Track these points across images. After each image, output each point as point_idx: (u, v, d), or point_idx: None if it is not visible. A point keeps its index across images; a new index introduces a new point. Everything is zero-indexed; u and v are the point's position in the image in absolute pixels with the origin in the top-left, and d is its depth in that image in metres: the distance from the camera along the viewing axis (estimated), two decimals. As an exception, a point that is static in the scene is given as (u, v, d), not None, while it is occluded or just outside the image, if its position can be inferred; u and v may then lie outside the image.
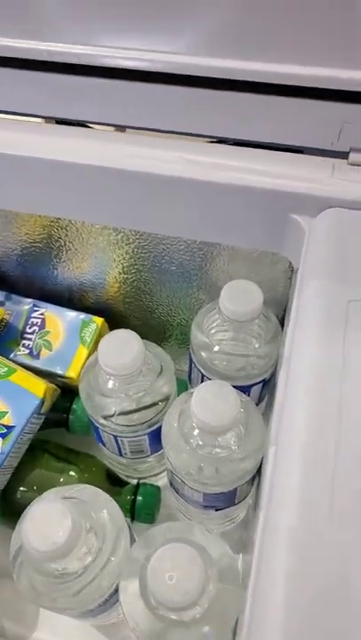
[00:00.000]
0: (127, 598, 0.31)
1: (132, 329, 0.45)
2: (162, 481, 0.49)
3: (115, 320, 0.50)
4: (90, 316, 0.48)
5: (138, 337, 0.36)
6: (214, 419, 0.32)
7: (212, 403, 0.32)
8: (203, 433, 0.34)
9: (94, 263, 0.46)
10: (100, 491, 0.35)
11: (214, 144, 0.38)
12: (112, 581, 0.33)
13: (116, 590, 0.33)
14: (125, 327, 0.52)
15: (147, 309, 0.50)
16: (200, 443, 0.35)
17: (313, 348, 0.27)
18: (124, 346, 0.36)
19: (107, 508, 0.34)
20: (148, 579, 0.27)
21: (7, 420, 0.41)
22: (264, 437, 0.35)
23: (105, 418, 0.39)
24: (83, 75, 0.38)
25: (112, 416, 0.38)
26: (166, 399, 0.39)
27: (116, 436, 0.40)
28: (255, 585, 0.21)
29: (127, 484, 0.46)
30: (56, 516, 0.28)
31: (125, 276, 0.46)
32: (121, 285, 0.48)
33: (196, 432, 0.34)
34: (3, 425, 0.41)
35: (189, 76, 0.35)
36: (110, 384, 0.38)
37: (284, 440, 0.24)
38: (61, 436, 0.48)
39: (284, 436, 0.24)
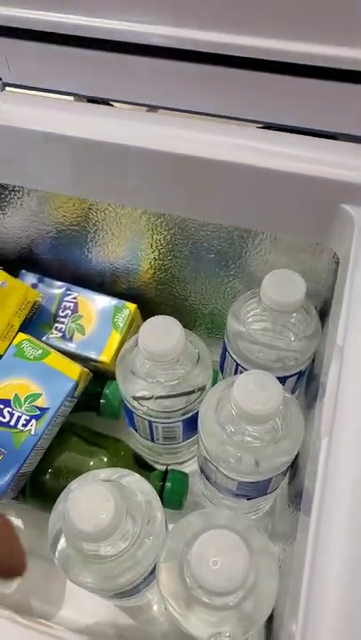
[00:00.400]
0: (164, 581, 0.31)
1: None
2: (188, 468, 0.49)
3: (145, 306, 0.50)
4: (122, 301, 0.48)
5: (180, 324, 0.36)
6: (257, 408, 0.32)
7: (254, 392, 0.32)
8: (243, 422, 0.33)
9: (130, 248, 0.46)
10: (136, 475, 0.35)
11: (261, 129, 0.37)
12: (148, 564, 0.33)
13: (151, 572, 0.33)
14: (156, 314, 0.52)
15: (179, 297, 0.49)
16: (239, 431, 0.35)
17: (367, 339, 0.26)
18: (165, 332, 0.36)
19: (143, 492, 0.34)
20: (192, 564, 0.27)
21: (41, 402, 0.41)
22: (302, 428, 0.35)
23: (140, 402, 0.39)
24: (116, 52, 0.37)
25: (149, 399, 0.38)
26: (202, 388, 0.39)
27: (150, 422, 0.40)
28: (311, 572, 0.21)
29: (155, 469, 0.46)
30: (99, 498, 0.29)
31: (161, 262, 0.46)
32: (155, 272, 0.48)
33: (235, 421, 0.34)
34: (37, 407, 0.41)
35: (234, 56, 0.34)
36: (148, 368, 0.38)
37: (337, 431, 0.24)
38: (91, 419, 0.49)
39: (337, 427, 0.24)
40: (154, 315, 0.37)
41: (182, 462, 0.49)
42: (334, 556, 0.21)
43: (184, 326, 0.40)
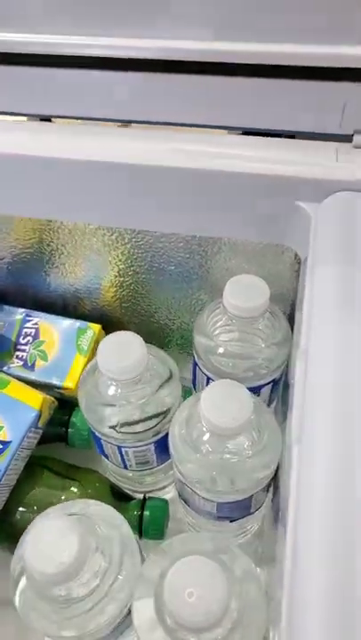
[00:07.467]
0: (141, 621, 0.28)
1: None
2: (169, 494, 0.46)
3: (112, 326, 0.48)
4: (86, 323, 0.46)
5: (140, 338, 0.34)
6: (226, 420, 0.30)
7: (222, 403, 0.30)
8: (214, 437, 0.31)
9: (89, 267, 0.44)
10: (104, 505, 0.32)
11: (212, 134, 0.36)
12: (122, 604, 0.30)
13: (128, 614, 0.30)
14: (123, 333, 0.50)
15: (145, 313, 0.48)
16: (211, 448, 0.32)
17: (331, 338, 0.25)
18: (125, 348, 0.34)
19: (113, 524, 0.31)
20: (165, 596, 0.25)
21: (3, 436, 0.39)
22: (279, 440, 0.33)
23: (108, 427, 0.36)
24: (58, 67, 0.36)
25: (115, 426, 0.36)
26: (172, 406, 0.37)
27: (120, 447, 0.37)
28: (291, 596, 0.19)
29: (133, 498, 0.44)
30: (61, 535, 0.26)
31: (122, 279, 0.44)
32: (117, 289, 0.46)
33: (206, 437, 0.32)
34: (-2, 441, 0.39)
35: (187, 62, 0.33)
36: (112, 390, 0.35)
37: (308, 438, 0.22)
38: (61, 450, 0.46)
39: (307, 433, 0.22)
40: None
41: (163, 487, 0.47)
42: (311, 575, 0.19)
43: (154, 344, 0.38)
